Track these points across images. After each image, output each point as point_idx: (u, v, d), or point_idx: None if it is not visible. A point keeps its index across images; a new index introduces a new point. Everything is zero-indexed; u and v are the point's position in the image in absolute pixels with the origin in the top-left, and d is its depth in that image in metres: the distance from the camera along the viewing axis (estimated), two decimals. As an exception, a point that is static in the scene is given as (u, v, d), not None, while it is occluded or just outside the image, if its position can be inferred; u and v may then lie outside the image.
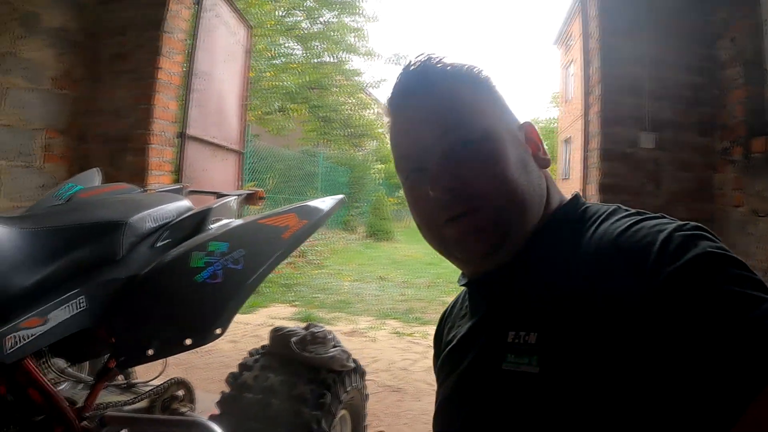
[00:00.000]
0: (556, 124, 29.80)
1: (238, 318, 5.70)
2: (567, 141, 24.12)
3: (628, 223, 0.71)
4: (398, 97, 0.87)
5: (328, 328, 2.21)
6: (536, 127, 0.90)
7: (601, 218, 0.77)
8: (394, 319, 6.40)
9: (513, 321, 0.76)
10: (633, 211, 0.77)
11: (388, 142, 0.90)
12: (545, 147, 0.89)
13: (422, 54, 0.86)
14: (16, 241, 1.37)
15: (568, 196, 0.88)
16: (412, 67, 0.85)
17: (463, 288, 0.96)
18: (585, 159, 4.12)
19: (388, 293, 8.17)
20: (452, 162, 0.79)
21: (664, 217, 0.72)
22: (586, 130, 4.10)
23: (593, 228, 0.76)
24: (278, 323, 5.60)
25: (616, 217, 0.75)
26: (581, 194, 0.89)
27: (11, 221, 1.42)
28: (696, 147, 3.66)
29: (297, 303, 7.03)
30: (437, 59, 0.85)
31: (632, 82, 3.66)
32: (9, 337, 1.26)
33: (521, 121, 0.90)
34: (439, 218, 0.81)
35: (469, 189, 0.78)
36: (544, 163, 0.88)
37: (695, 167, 3.65)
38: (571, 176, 22.29)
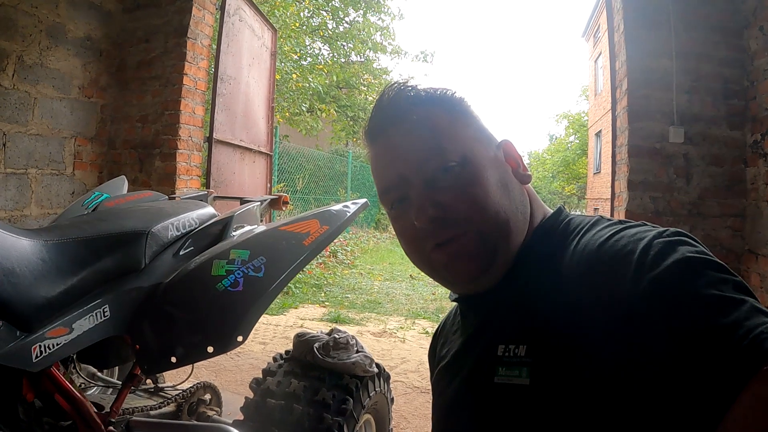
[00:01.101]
0: (586, 118, 29.35)
1: (269, 320, 5.79)
2: (598, 134, 23.75)
3: (610, 233, 0.73)
4: (375, 128, 0.88)
5: (356, 329, 2.22)
6: (513, 144, 0.91)
7: (583, 230, 0.79)
8: (424, 318, 6.38)
9: (502, 334, 0.78)
10: (615, 220, 0.79)
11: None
12: (525, 162, 0.91)
13: (395, 83, 0.88)
14: (42, 253, 1.40)
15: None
16: (386, 97, 0.87)
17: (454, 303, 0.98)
18: (614, 155, 4.06)
19: (419, 293, 8.15)
20: (434, 190, 0.80)
21: (645, 225, 0.74)
22: (614, 125, 4.03)
23: (576, 240, 0.77)
24: (308, 324, 5.65)
25: (598, 228, 0.77)
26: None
27: (37, 234, 1.45)
28: (727, 141, 3.57)
29: (327, 303, 7.04)
30: (410, 87, 0.87)
31: (660, 76, 3.58)
32: (35, 346, 1.30)
33: (499, 139, 0.91)
34: (426, 246, 0.83)
35: (453, 215, 0.79)
36: (524, 179, 0.89)
37: (726, 161, 3.55)
38: (602, 170, 21.93)
